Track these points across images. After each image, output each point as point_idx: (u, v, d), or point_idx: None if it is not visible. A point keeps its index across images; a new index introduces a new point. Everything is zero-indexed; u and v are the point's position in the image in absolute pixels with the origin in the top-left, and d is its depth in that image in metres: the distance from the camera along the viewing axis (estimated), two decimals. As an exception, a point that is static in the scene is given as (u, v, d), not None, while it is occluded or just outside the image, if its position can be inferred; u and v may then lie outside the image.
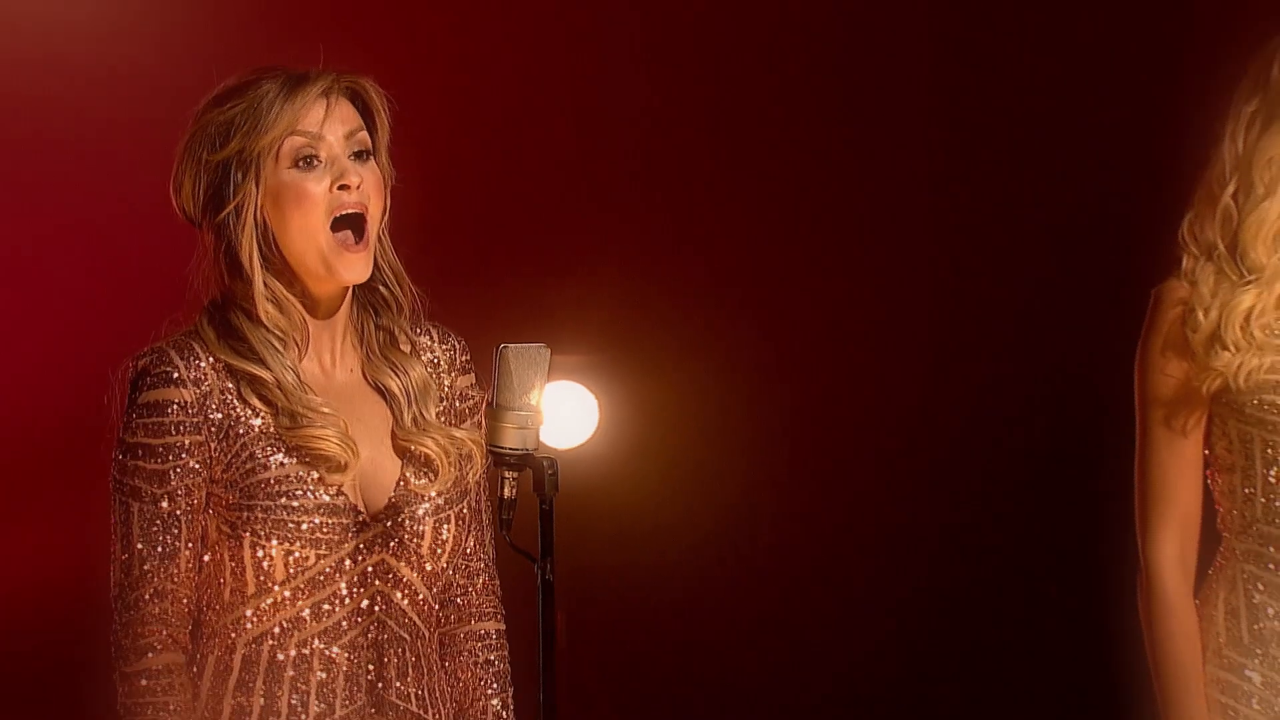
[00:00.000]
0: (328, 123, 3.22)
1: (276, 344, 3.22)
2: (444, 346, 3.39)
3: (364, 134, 3.25)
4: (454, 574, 3.36)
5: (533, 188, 6.11)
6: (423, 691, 3.30)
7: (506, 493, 3.18)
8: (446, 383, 3.37)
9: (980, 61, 6.03)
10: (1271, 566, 3.60)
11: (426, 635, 3.32)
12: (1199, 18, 5.51)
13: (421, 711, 3.29)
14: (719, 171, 6.29)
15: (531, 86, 6.02)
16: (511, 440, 3.17)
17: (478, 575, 3.40)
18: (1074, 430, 5.57)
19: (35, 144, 5.60)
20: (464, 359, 3.40)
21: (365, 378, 3.32)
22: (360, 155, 3.24)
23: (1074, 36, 5.90)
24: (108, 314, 5.22)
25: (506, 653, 3.42)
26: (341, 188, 3.21)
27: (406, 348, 3.34)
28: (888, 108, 6.12)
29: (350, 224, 3.22)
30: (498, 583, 3.42)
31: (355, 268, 3.23)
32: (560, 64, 6.02)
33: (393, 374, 3.30)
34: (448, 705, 3.35)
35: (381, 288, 3.32)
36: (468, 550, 3.37)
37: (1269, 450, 3.60)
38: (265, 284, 3.22)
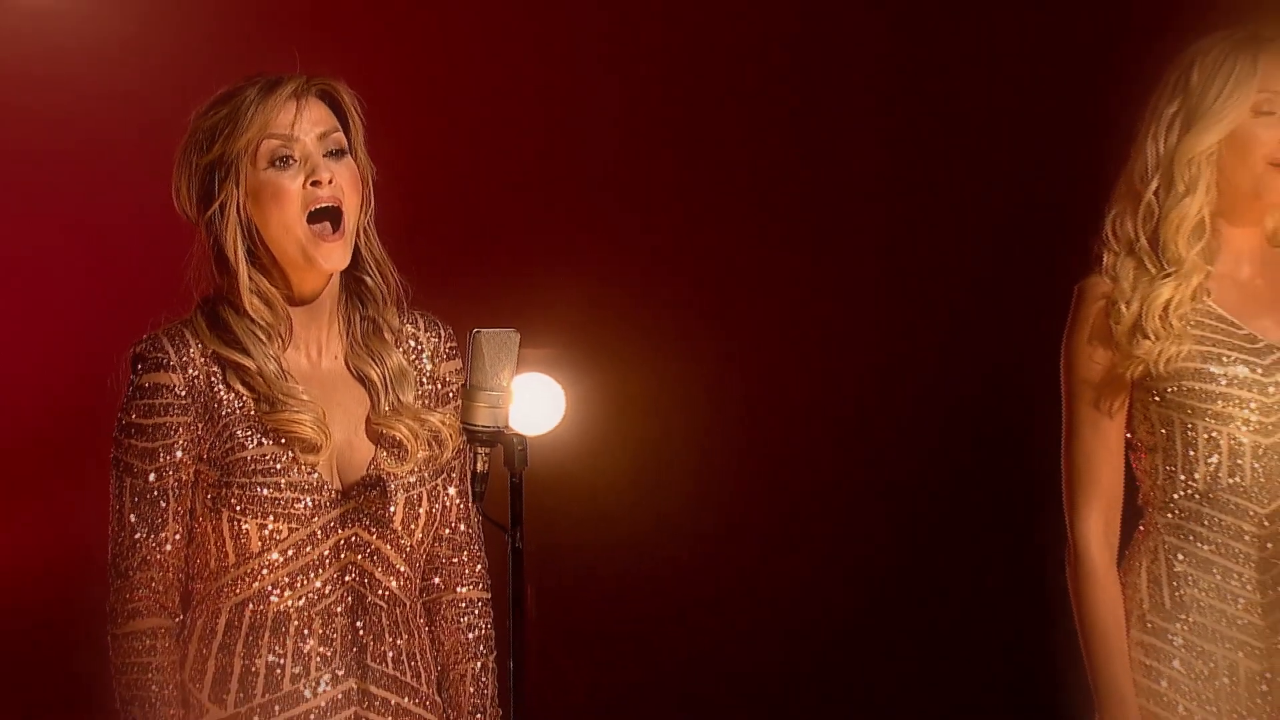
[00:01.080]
0: (299, 124, 3.23)
1: (260, 335, 3.23)
2: (429, 334, 3.39)
3: (339, 134, 3.26)
4: (439, 545, 3.36)
5: (508, 194, 6.14)
6: (399, 655, 3.29)
7: (479, 467, 3.20)
8: (429, 368, 3.37)
9: (921, 77, 6.06)
10: (1191, 539, 3.62)
11: (405, 603, 3.31)
12: (1118, 26, 5.52)
13: (398, 674, 3.28)
14: (679, 177, 6.30)
15: (507, 98, 6.03)
16: (483, 418, 3.19)
17: (463, 548, 3.39)
18: (1007, 417, 5.58)
19: (44, 153, 5.61)
20: (449, 346, 3.40)
21: (348, 365, 3.32)
22: (335, 154, 3.25)
23: (1001, 52, 5.93)
24: (108, 310, 5.21)
25: (490, 619, 3.42)
26: (314, 184, 3.22)
27: (389, 337, 3.34)
28: (835, 116, 6.14)
29: (327, 216, 3.23)
30: (483, 554, 3.42)
31: (333, 256, 3.24)
32: (532, 76, 6.03)
33: (372, 363, 3.31)
34: (430, 668, 3.34)
35: (367, 278, 3.32)
36: (450, 525, 3.36)
37: (1188, 432, 3.61)
38: (250, 278, 3.23)
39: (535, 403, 6.22)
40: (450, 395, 3.36)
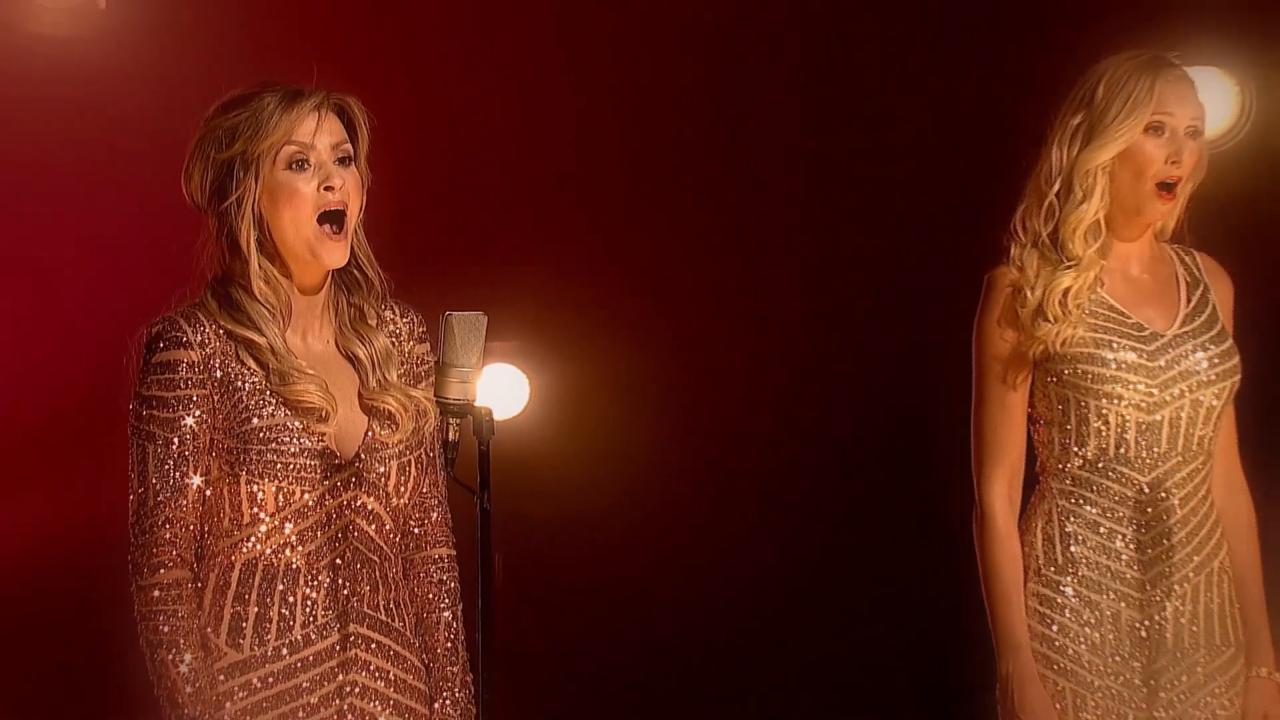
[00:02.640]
0: (318, 133, 3.24)
1: (267, 314, 3.24)
2: (404, 320, 3.40)
3: (348, 144, 3.28)
4: (413, 509, 3.37)
5: (477, 201, 6.12)
6: (389, 604, 3.31)
7: (450, 436, 3.22)
8: (406, 349, 3.38)
9: (847, 93, 6.04)
10: (1081, 503, 3.65)
11: (391, 557, 3.33)
12: (1031, 41, 5.47)
13: (387, 619, 3.31)
14: (629, 188, 6.29)
15: (476, 115, 6.02)
16: (455, 392, 3.20)
17: (433, 510, 3.40)
18: (921, 397, 5.58)
19: (62, 156, 5.59)
20: (420, 330, 3.41)
21: (338, 347, 3.33)
22: (344, 161, 3.26)
23: (921, 64, 5.88)
24: (119, 301, 5.18)
25: (457, 573, 3.43)
26: (327, 188, 3.24)
27: (373, 321, 3.35)
28: (767, 127, 6.12)
29: (333, 219, 3.25)
30: (450, 516, 3.43)
31: (335, 254, 3.26)
32: (495, 96, 6.02)
33: (360, 344, 3.32)
34: (409, 616, 3.36)
35: (355, 270, 3.33)
36: (424, 489, 3.37)
37: (1082, 409, 3.64)
38: (259, 265, 3.23)
39: (501, 390, 6.25)
40: (423, 374, 3.37)
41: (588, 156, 6.20)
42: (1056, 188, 3.64)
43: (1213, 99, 5.42)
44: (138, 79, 5.51)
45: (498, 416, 6.13)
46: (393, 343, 3.36)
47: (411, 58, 5.85)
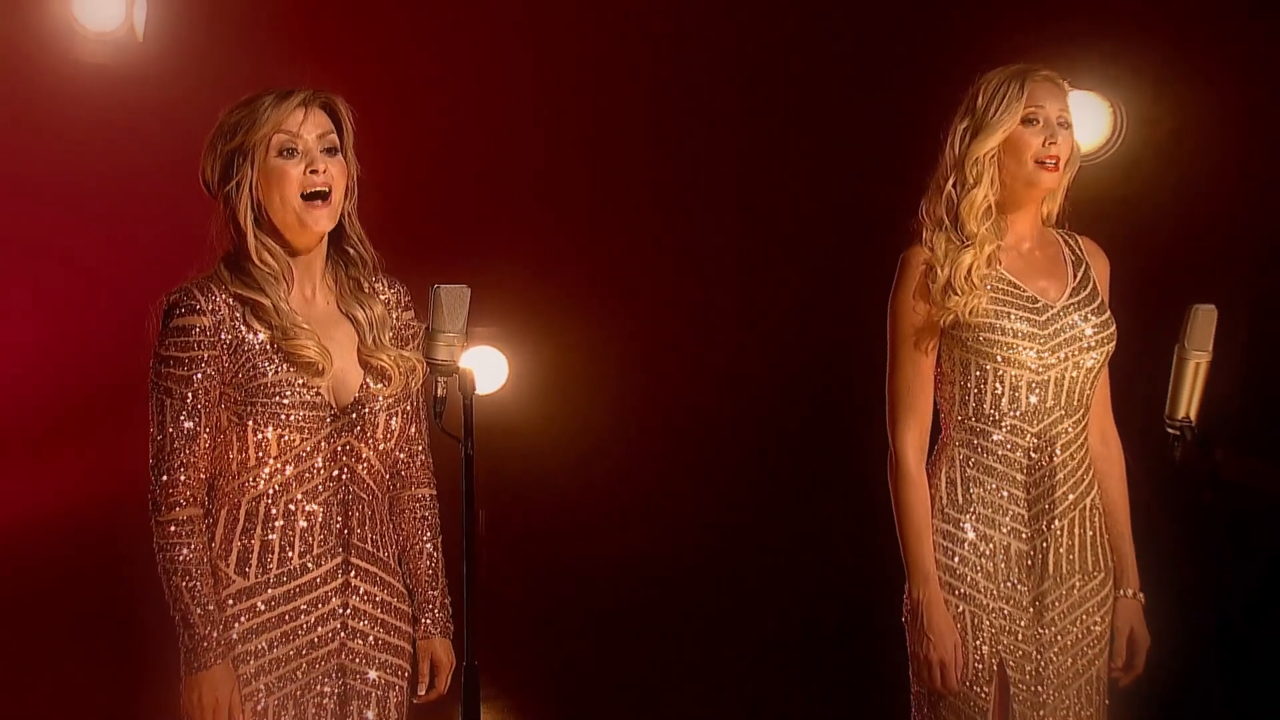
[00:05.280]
0: (305, 125, 3.24)
1: (271, 278, 3.23)
2: (392, 290, 3.38)
3: (333, 135, 3.26)
4: (399, 454, 3.35)
5: (461, 198, 6.13)
6: (377, 537, 3.28)
7: (439, 392, 3.17)
8: (395, 316, 3.35)
9: (776, 99, 6.09)
10: (980, 451, 3.62)
11: (380, 497, 3.30)
12: (925, 62, 5.52)
13: (376, 551, 3.28)
14: (593, 197, 6.31)
15: (464, 128, 6.03)
16: (443, 354, 3.16)
17: (417, 455, 3.39)
18: (840, 364, 5.59)
19: (103, 157, 5.58)
20: (406, 299, 3.39)
21: (339, 309, 3.31)
22: (329, 151, 3.25)
23: (842, 77, 5.95)
24: (145, 285, 5.17)
25: (437, 510, 3.40)
26: (312, 172, 3.23)
27: (369, 290, 3.33)
28: (703, 142, 6.19)
29: (318, 197, 3.24)
30: (431, 460, 3.41)
31: (321, 220, 3.25)
32: (469, 102, 6.03)
33: (360, 308, 3.30)
34: (394, 548, 3.33)
35: (350, 249, 3.32)
36: (410, 436, 3.35)
37: (978, 372, 3.62)
38: (256, 237, 3.23)
39: (483, 368, 6.27)
40: (409, 337, 3.34)
41: (556, 171, 6.24)
42: (952, 179, 3.64)
43: (1090, 119, 5.52)
44: (169, 101, 5.49)
45: (480, 392, 6.19)
46: (385, 310, 3.34)
47: (406, 72, 5.88)
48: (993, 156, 3.61)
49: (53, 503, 5.68)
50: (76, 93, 5.62)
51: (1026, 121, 3.61)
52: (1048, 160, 3.60)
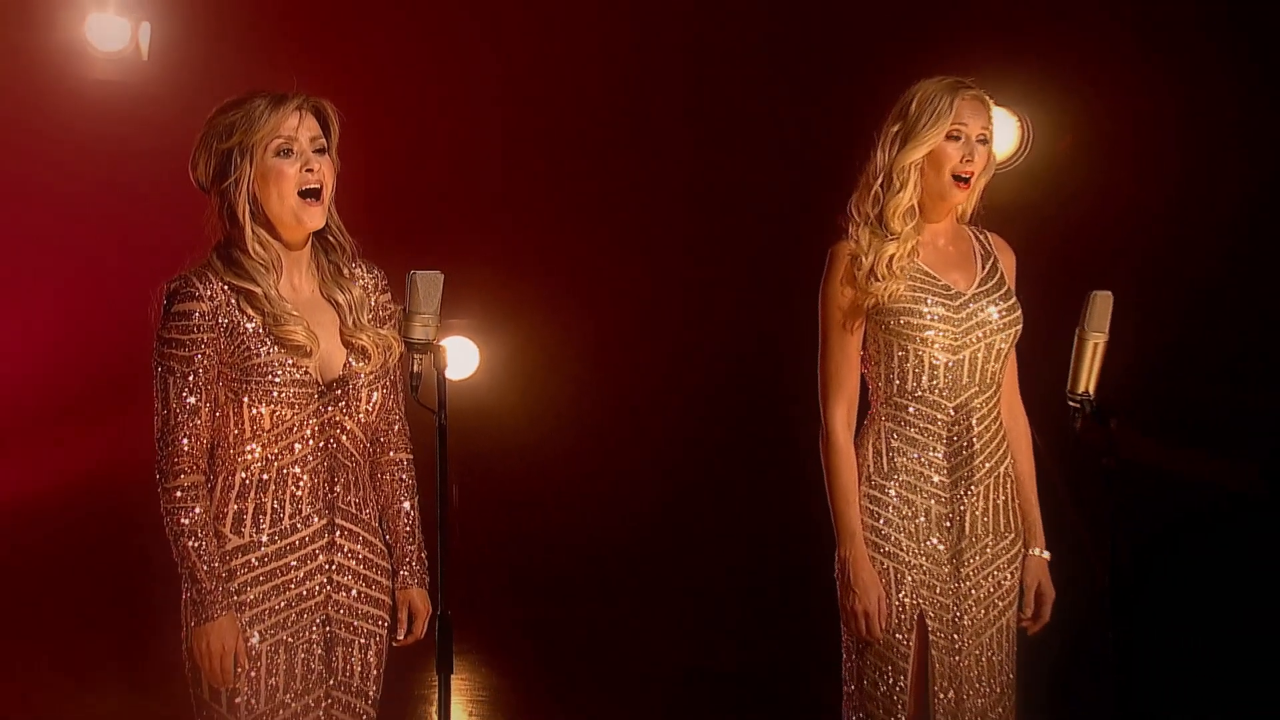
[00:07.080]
0: (300, 128, 3.20)
1: (262, 268, 3.18)
2: (370, 275, 3.33)
3: (322, 137, 3.23)
4: (379, 423, 3.32)
5: (435, 195, 6.14)
6: (360, 500, 3.26)
7: (415, 368, 3.14)
8: (373, 299, 3.31)
9: (718, 112, 6.12)
10: (903, 424, 3.61)
11: (362, 463, 3.28)
12: (857, 70, 5.55)
13: (358, 513, 3.25)
14: (556, 202, 6.32)
15: (424, 120, 6.03)
16: (418, 333, 3.12)
17: (395, 424, 3.35)
18: (776, 348, 5.62)
19: (110, 164, 5.55)
20: (383, 283, 3.35)
21: (322, 294, 3.27)
22: (320, 151, 3.21)
23: (782, 83, 6.00)
24: (150, 277, 5.16)
25: (414, 473, 3.37)
26: (307, 171, 3.19)
27: (349, 275, 3.29)
28: (655, 149, 6.22)
29: (311, 195, 3.20)
30: (407, 427, 3.38)
31: (315, 217, 3.21)
32: (434, 103, 6.03)
33: (341, 292, 3.26)
34: (375, 508, 3.31)
35: (331, 237, 3.28)
36: (389, 408, 3.32)
37: (900, 353, 3.61)
38: (253, 230, 3.18)
39: (456, 357, 6.25)
40: (385, 318, 3.31)
41: (522, 178, 6.29)
42: (880, 180, 3.63)
43: (1001, 132, 5.57)
44: (170, 115, 5.47)
45: (454, 377, 6.22)
46: (363, 293, 3.30)
47: (389, 80, 5.88)
48: (918, 165, 3.60)
49: (68, 475, 5.65)
50: (88, 107, 5.60)
51: (950, 137, 3.59)
52: (962, 175, 3.60)
